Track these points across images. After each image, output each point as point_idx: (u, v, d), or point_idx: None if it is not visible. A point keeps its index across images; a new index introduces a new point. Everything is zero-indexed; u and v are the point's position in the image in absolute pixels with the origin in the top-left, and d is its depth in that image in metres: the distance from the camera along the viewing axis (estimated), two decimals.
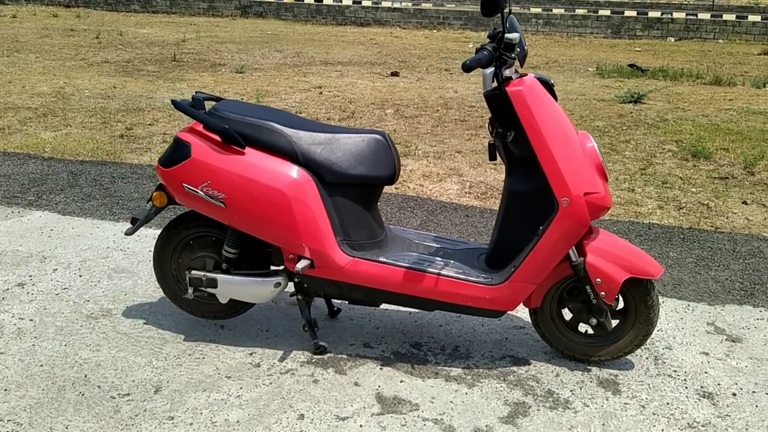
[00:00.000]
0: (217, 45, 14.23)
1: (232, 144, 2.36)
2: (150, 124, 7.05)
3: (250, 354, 2.58)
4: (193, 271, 2.57)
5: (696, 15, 19.45)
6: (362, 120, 7.75)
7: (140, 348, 2.60)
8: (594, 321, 2.42)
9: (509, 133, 2.34)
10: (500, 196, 4.97)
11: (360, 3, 18.92)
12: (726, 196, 5.43)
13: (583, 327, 2.56)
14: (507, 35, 2.24)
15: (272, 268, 2.66)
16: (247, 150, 2.37)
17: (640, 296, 2.40)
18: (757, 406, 2.27)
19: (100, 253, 3.40)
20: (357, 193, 2.45)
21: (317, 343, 2.58)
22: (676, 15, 18.87)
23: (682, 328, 2.74)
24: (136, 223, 2.64)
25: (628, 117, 8.47)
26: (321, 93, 9.30)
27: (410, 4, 19.21)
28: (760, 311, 3.01)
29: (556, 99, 2.32)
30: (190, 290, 2.59)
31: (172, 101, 2.51)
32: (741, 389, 2.38)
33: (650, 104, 9.28)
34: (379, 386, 2.36)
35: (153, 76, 10.11)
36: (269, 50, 13.73)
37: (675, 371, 2.50)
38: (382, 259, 2.44)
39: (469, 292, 2.37)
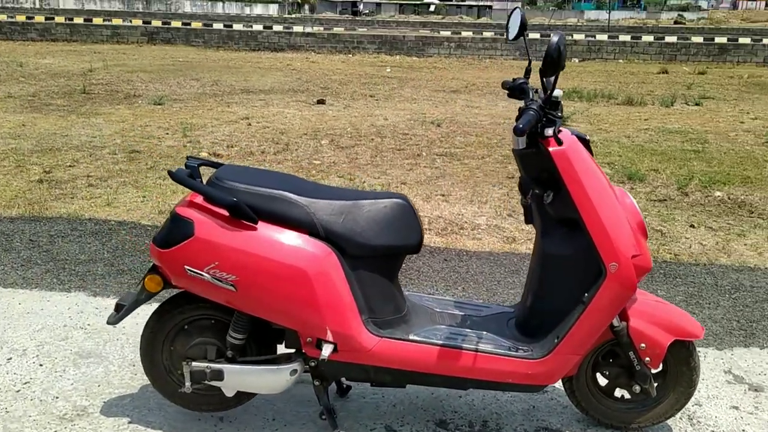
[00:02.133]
0: (128, 74, 13.60)
1: (243, 219, 2.12)
2: (70, 166, 6.56)
3: None
4: (194, 363, 2.27)
5: (595, 36, 20.39)
6: (298, 152, 7.54)
7: None
8: (637, 388, 2.31)
9: (547, 194, 2.22)
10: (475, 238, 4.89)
11: (271, 28, 18.66)
12: (672, 220, 5.57)
13: (619, 392, 2.44)
14: (554, 93, 2.13)
15: (280, 350, 2.40)
16: (260, 224, 2.13)
17: (682, 358, 2.32)
18: None
19: (58, 334, 3.03)
20: (381, 264, 2.25)
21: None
22: (577, 37, 19.70)
23: (704, 379, 2.70)
24: (122, 310, 2.33)
25: None
26: (250, 124, 9.01)
27: (322, 28, 19.13)
28: None
29: (592, 155, 2.22)
30: (188, 384, 2.30)
31: (169, 173, 2.24)
32: None
33: (574, 126, 9.52)
34: None
35: (64, 111, 9.49)
36: (185, 79, 13.24)
37: (713, 431, 2.44)
38: (412, 337, 2.25)
39: (509, 368, 2.22)
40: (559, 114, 2.15)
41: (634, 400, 2.40)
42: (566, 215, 2.20)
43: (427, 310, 2.41)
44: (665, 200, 6.27)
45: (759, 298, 3.66)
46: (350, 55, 18.32)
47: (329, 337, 2.15)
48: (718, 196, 6.49)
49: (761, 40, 18.87)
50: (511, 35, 2.32)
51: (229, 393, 2.29)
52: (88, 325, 3.12)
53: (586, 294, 2.16)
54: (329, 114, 10.05)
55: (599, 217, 2.10)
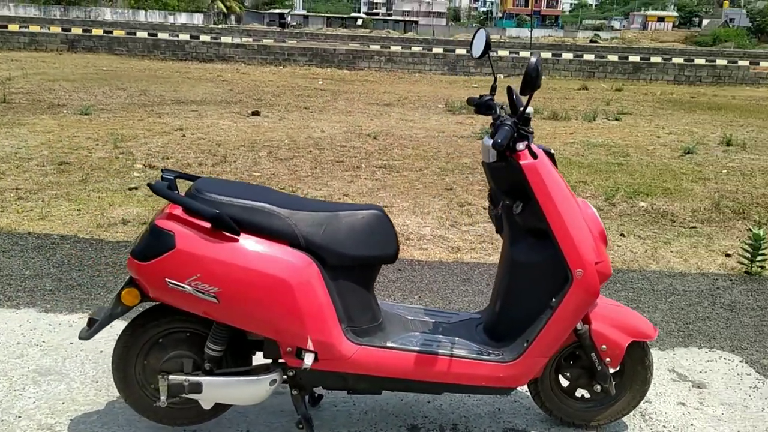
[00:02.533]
0: (49, 83, 13.14)
1: (225, 230, 2.14)
2: None
3: None
4: (171, 376, 2.27)
5: (518, 53, 21.10)
6: (237, 164, 7.50)
7: None
8: (598, 387, 2.46)
9: (516, 204, 2.34)
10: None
11: (198, 38, 18.41)
12: (606, 230, 5.83)
13: (579, 392, 2.58)
14: (527, 111, 2.25)
15: (255, 361, 2.42)
16: (241, 236, 2.16)
17: (638, 358, 2.49)
18: None
19: (13, 352, 2.93)
20: (359, 274, 2.32)
21: None
22: (501, 53, 20.32)
23: None
24: (95, 325, 2.29)
25: None
26: (184, 136, 8.89)
27: (251, 40, 19.01)
28: (706, 352, 3.25)
29: (556, 167, 2.36)
30: (164, 398, 2.29)
31: (149, 185, 2.23)
32: None
33: None
34: None
35: None
36: (110, 88, 12.90)
37: (665, 426, 2.61)
38: (389, 344, 2.32)
39: (481, 372, 2.32)
40: (531, 129, 2.28)
41: (593, 399, 2.54)
42: (534, 225, 2.33)
43: (400, 318, 2.49)
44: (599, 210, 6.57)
45: (692, 302, 3.92)
46: (281, 67, 18.28)
47: (310, 346, 2.19)
48: (643, 206, 6.87)
49: (671, 59, 20.00)
50: (476, 53, 2.44)
51: (207, 405, 2.30)
52: (44, 342, 3.04)
53: (553, 299, 2.29)
54: (265, 126, 10.03)
55: (566, 227, 2.24)
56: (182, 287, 2.11)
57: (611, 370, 2.46)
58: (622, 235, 5.78)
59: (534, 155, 2.25)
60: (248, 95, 13.03)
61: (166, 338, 2.32)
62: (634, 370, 2.48)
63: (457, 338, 2.41)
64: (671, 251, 5.28)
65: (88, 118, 9.86)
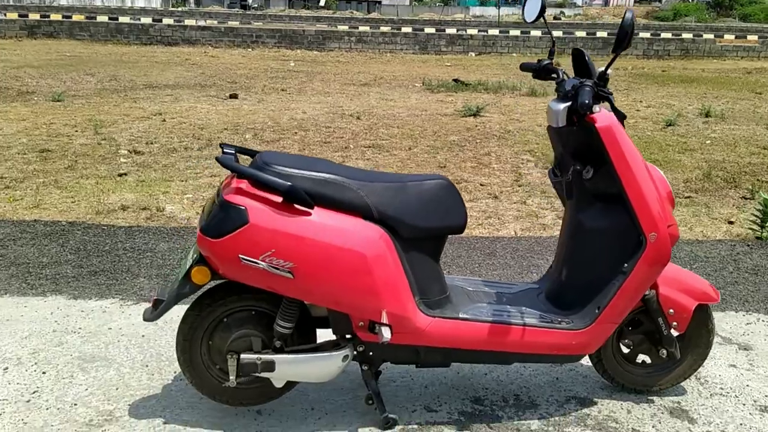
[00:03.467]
0: (14, 70, 12.70)
1: (299, 204, 2.08)
2: None
3: None
4: (243, 355, 2.21)
5: (487, 31, 21.10)
6: None
7: None
8: (664, 352, 2.46)
9: (587, 169, 2.32)
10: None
11: (161, 21, 17.96)
12: None
13: (640, 358, 2.58)
14: (608, 71, 2.23)
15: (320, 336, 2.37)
16: (315, 209, 2.10)
17: (702, 321, 2.50)
18: None
19: (50, 340, 2.83)
20: (429, 245, 2.28)
21: (387, 416, 2.33)
22: (471, 31, 20.30)
23: None
24: (160, 306, 2.21)
25: (475, 130, 8.93)
26: (164, 120, 8.69)
27: (216, 22, 18.63)
28: (744, 315, 3.30)
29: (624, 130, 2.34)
30: (233, 378, 2.23)
31: (217, 159, 2.15)
32: None
33: (488, 117, 9.87)
34: None
35: None
36: (78, 74, 12.53)
37: (722, 389, 2.64)
38: (462, 315, 2.29)
39: (554, 340, 2.31)
40: (610, 91, 2.25)
41: (655, 364, 2.55)
42: (605, 190, 2.31)
43: (462, 290, 2.47)
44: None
45: (717, 267, 3.98)
46: (250, 50, 17.97)
47: (384, 319, 2.15)
48: None
49: (638, 34, 20.22)
50: (529, 18, 2.40)
51: (279, 384, 2.25)
52: (80, 328, 2.95)
53: (625, 264, 2.28)
54: (245, 108, 9.86)
55: (640, 190, 2.23)
56: (256, 263, 2.05)
57: (676, 334, 2.47)
58: None
59: (623, 115, 2.23)
60: (221, 78, 12.79)
61: (230, 317, 2.26)
62: (698, 334, 2.50)
63: (524, 308, 2.40)
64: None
65: (61, 104, 9.58)
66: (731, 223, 5.32)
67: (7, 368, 2.61)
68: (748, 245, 4.41)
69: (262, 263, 2.05)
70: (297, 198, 2.06)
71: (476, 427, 2.33)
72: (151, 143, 7.51)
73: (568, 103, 2.25)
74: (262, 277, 2.08)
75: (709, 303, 2.46)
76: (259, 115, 9.37)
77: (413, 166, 6.98)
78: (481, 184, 6.40)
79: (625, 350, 2.55)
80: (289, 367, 2.20)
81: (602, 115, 2.22)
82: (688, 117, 9.94)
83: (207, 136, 7.95)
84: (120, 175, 6.14)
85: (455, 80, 12.60)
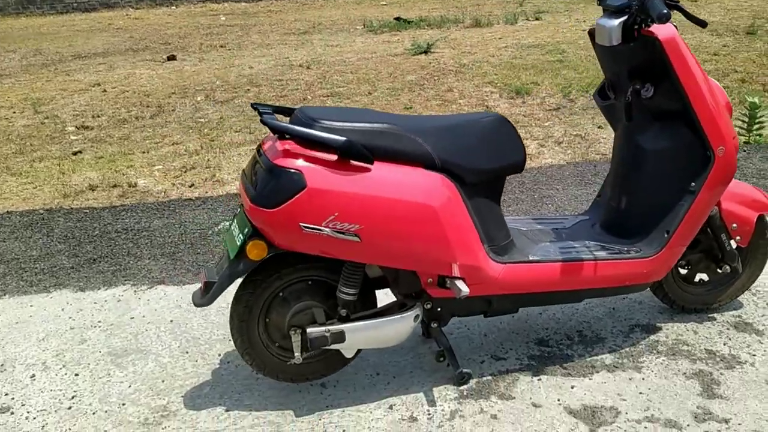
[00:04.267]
0: None
1: (358, 159, 1.91)
2: None
3: (390, 408, 2.14)
4: (310, 329, 2.06)
5: None
6: (177, 113, 7.02)
7: None
8: (727, 268, 2.42)
9: (646, 88, 2.21)
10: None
11: None
12: (580, 125, 5.87)
13: (698, 277, 2.54)
14: None
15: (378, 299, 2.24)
16: (374, 164, 1.94)
17: (760, 231, 2.47)
18: None
19: (71, 338, 2.61)
20: (492, 188, 2.15)
21: (462, 371, 2.24)
22: None
23: None
24: (212, 288, 2.03)
25: (430, 68, 8.75)
26: (105, 91, 8.22)
27: None
28: None
29: None
30: (298, 354, 2.09)
31: (263, 121, 1.94)
32: None
33: (439, 53, 9.69)
34: (558, 400, 2.12)
35: None
36: None
37: None
38: (532, 258, 2.19)
39: (626, 271, 2.23)
40: (677, 1, 2.13)
41: (712, 281, 2.52)
42: (667, 107, 2.21)
43: (519, 231, 2.36)
44: (559, 108, 6.61)
45: None
46: (174, 7, 17.10)
47: (455, 272, 2.04)
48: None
49: None
50: None
51: (349, 354, 2.12)
52: (100, 321, 2.74)
53: (693, 183, 2.21)
54: (187, 69, 9.41)
55: (707, 103, 2.14)
56: (320, 230, 1.89)
57: (734, 247, 2.43)
58: (599, 127, 5.83)
59: (670, 28, 2.11)
60: (152, 41, 12.15)
61: (287, 291, 2.10)
62: (757, 245, 2.47)
63: (587, 242, 2.32)
64: None
65: None
66: None
67: (33, 375, 2.39)
68: (744, 150, 4.44)
69: (326, 229, 1.89)
70: (355, 153, 1.88)
71: (550, 369, 2.27)
72: (98, 116, 7.09)
73: (623, 18, 2.12)
74: (327, 243, 1.92)
75: (767, 213, 2.43)
76: (205, 75, 8.95)
77: (378, 110, 6.79)
78: None
79: (683, 271, 2.51)
80: (360, 335, 2.06)
81: (662, 26, 2.10)
82: None
83: (156, 103, 7.55)
84: (75, 153, 5.77)
85: (397, 19, 12.30)
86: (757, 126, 4.53)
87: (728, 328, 2.44)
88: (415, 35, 10.94)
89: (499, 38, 10.51)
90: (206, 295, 2.02)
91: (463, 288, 2.01)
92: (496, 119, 2.10)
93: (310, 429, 2.06)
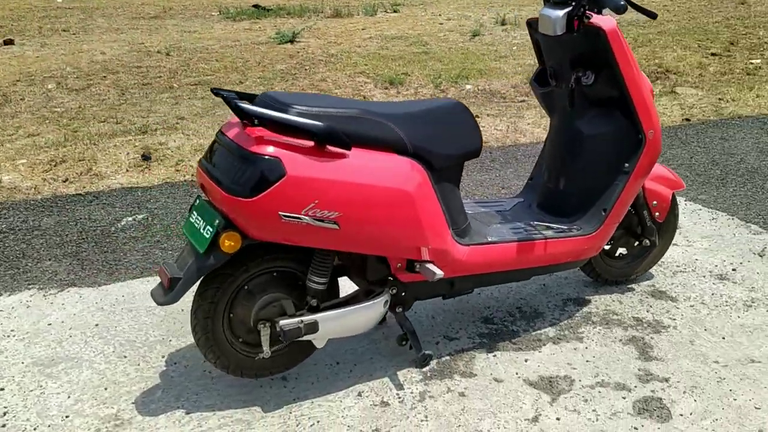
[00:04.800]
0: None
1: (337, 145, 1.86)
2: None
3: (359, 395, 2.13)
4: (284, 321, 1.99)
5: None
6: (27, 102, 6.48)
7: None
8: (647, 242, 2.64)
9: (586, 75, 2.34)
10: None
11: None
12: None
13: (618, 251, 2.74)
14: None
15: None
16: (351, 150, 1.91)
17: (672, 208, 2.71)
18: None
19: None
20: (454, 173, 2.18)
21: (425, 353, 2.26)
22: None
23: None
24: (177, 285, 1.89)
25: (298, 57, 8.70)
26: None
27: None
28: None
29: None
30: (267, 348, 2.02)
31: (238, 106, 1.83)
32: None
33: (305, 42, 9.64)
34: (516, 373, 2.22)
35: None
36: None
37: (677, 266, 2.88)
38: (491, 239, 2.26)
39: (570, 248, 2.36)
40: None
41: (630, 255, 2.75)
42: (605, 94, 2.37)
43: (468, 214, 2.43)
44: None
45: None
46: None
47: (425, 256, 2.07)
48: (469, 88, 7.29)
49: None
50: None
51: (321, 344, 2.09)
52: (12, 331, 2.47)
53: (626, 164, 2.39)
54: (30, 55, 8.63)
55: (642, 90, 2.32)
56: (299, 219, 1.84)
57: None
58: (476, 116, 6.11)
59: (611, 20, 2.26)
60: None
61: (252, 284, 2.03)
62: (668, 220, 2.72)
63: (533, 222, 2.44)
64: (528, 123, 5.73)
65: None
66: None
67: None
68: None
69: (306, 217, 1.85)
70: (335, 139, 1.85)
71: (501, 345, 2.38)
72: None
73: (568, 9, 2.25)
74: (305, 232, 1.88)
75: (679, 190, 2.68)
76: (52, 61, 8.26)
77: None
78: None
79: (607, 246, 2.72)
80: (333, 324, 2.04)
81: (604, 18, 2.25)
82: (488, 27, 10.49)
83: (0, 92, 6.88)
84: None
85: (255, 6, 12.05)
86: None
87: (647, 297, 2.69)
88: (276, 24, 10.78)
89: (362, 29, 10.63)
90: (170, 293, 1.90)
91: (437, 271, 2.05)
92: (456, 105, 2.15)
93: (282, 423, 2.01)
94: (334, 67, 8.10)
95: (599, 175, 2.43)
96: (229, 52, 8.96)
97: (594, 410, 2.04)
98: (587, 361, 2.28)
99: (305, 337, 2.02)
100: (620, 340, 2.39)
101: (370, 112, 1.97)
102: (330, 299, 2.12)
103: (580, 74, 2.37)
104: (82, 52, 8.83)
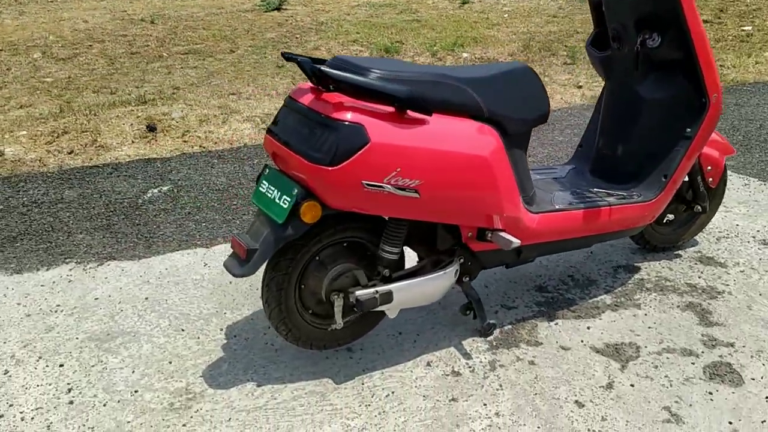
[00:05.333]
0: None
1: (418, 111, 1.81)
2: None
3: (428, 365, 2.10)
4: (360, 292, 1.95)
5: None
6: (14, 72, 6.28)
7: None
8: (698, 208, 2.63)
9: (652, 38, 2.31)
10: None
11: None
12: None
13: (666, 218, 2.74)
14: None
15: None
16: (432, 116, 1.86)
17: (723, 174, 2.71)
18: None
19: (32, 326, 2.28)
20: (524, 139, 2.15)
21: (490, 322, 2.24)
22: None
23: None
24: (254, 256, 1.84)
25: (287, 25, 8.54)
26: None
27: None
28: None
29: None
30: (339, 319, 1.99)
31: (321, 69, 1.75)
32: None
33: (292, 9, 9.47)
34: (581, 341, 2.22)
35: None
36: None
37: (720, 232, 2.90)
38: (558, 206, 2.24)
39: (632, 215, 2.35)
40: None
41: (678, 221, 2.76)
42: (669, 56, 2.33)
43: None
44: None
45: None
46: None
47: (497, 224, 2.05)
48: (466, 56, 7.24)
49: None
50: None
51: (394, 314, 2.06)
52: (59, 305, 2.40)
53: (688, 129, 2.37)
54: (9, 24, 8.35)
55: (708, 52, 2.28)
56: (381, 188, 1.80)
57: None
58: None
59: None
60: None
61: (323, 254, 1.99)
62: (718, 186, 2.73)
63: (592, 188, 2.43)
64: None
65: None
66: (580, 87, 5.81)
67: (6, 371, 2.06)
68: None
69: (388, 186, 1.81)
70: (418, 105, 1.80)
71: (560, 313, 2.38)
72: None
73: None
74: (386, 202, 1.84)
75: (730, 155, 2.68)
76: (33, 30, 7.99)
77: (249, 69, 6.53)
78: None
79: None
80: (406, 294, 2.01)
81: None
82: None
83: None
84: None
85: None
86: None
87: (696, 263, 2.71)
88: None
89: None
90: (246, 264, 1.85)
91: (514, 240, 2.03)
92: (524, 69, 2.11)
93: (356, 394, 1.99)
94: (325, 35, 7.97)
95: (660, 141, 2.41)
96: (216, 19, 8.76)
97: (666, 376, 2.05)
98: (649, 327, 2.29)
99: (379, 308, 1.99)
100: (678, 306, 2.41)
101: (447, 76, 1.92)
102: (399, 269, 2.09)
103: (646, 36, 2.34)
104: (63, 20, 8.55)
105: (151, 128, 4.68)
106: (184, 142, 4.49)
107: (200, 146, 4.34)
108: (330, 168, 1.75)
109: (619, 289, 2.53)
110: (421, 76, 1.87)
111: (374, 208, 1.85)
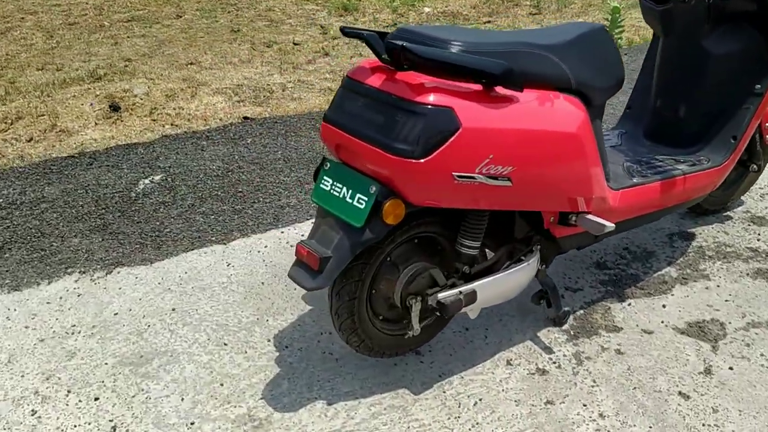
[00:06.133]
0: None
1: (511, 87, 1.58)
2: None
3: (508, 364, 1.91)
4: (442, 294, 1.72)
5: None
6: None
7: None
8: (754, 167, 2.50)
9: None
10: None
11: None
12: None
13: None
14: None
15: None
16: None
17: None
18: None
19: (50, 354, 1.98)
20: (602, 110, 1.94)
21: (565, 310, 2.06)
22: None
23: None
24: (328, 265, 1.56)
25: None
26: None
27: None
28: None
29: None
30: (417, 324, 1.77)
31: (402, 47, 1.49)
32: None
33: None
34: (662, 322, 2.08)
35: None
36: None
37: (760, 189, 2.83)
38: (636, 181, 2.06)
39: (704, 182, 2.19)
40: None
41: (727, 181, 2.62)
42: (740, 8, 2.16)
43: None
44: (395, 24, 6.50)
45: None
46: None
47: (582, 206, 1.85)
48: (428, 11, 6.99)
49: None
50: None
51: (475, 314, 1.86)
52: (74, 326, 2.10)
53: (758, 85, 2.21)
54: None
55: None
56: (473, 179, 1.57)
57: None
58: None
59: None
60: None
61: (394, 255, 1.76)
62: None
63: (660, 156, 2.26)
64: None
65: None
66: None
67: (34, 411, 1.77)
68: (624, 53, 4.70)
69: (480, 176, 1.58)
70: (511, 80, 1.56)
71: (629, 291, 2.23)
72: None
73: None
74: (476, 194, 1.61)
75: None
76: None
77: (203, 35, 6.10)
78: (294, 43, 5.86)
79: None
80: (490, 292, 1.81)
81: None
82: None
83: None
84: None
85: None
86: (618, 30, 4.81)
87: (749, 224, 2.60)
88: None
89: None
90: (320, 275, 1.60)
91: (606, 223, 1.84)
92: (603, 29, 1.89)
93: (441, 405, 1.79)
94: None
95: (728, 99, 2.26)
96: None
97: (762, 354, 1.93)
98: (726, 300, 2.17)
99: (464, 309, 1.78)
100: (747, 274, 2.30)
101: (529, 44, 1.69)
102: (476, 264, 1.88)
103: None
104: None
105: (115, 107, 4.28)
106: (153, 120, 4.12)
107: (171, 124, 3.98)
108: (418, 161, 1.50)
109: (681, 259, 2.40)
110: (506, 46, 1.63)
111: (461, 202, 1.62)
